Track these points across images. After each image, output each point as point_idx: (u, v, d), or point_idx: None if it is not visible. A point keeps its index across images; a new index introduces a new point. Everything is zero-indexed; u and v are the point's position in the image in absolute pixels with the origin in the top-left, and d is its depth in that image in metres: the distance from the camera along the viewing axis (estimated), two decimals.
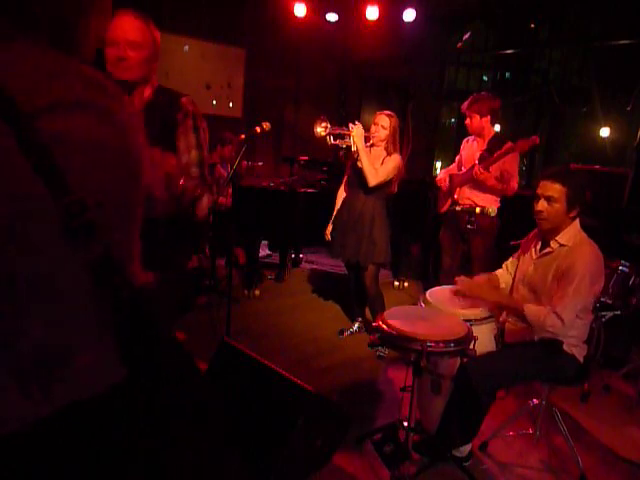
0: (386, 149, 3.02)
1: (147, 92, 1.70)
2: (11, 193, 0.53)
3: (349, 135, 2.93)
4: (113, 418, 0.66)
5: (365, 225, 3.03)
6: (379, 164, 2.97)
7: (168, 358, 0.74)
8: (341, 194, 3.26)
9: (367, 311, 3.42)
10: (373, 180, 2.91)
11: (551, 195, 1.95)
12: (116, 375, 0.65)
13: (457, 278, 2.22)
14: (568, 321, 1.87)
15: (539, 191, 1.99)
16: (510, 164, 3.09)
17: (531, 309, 1.93)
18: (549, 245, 2.04)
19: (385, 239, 3.05)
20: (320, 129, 2.88)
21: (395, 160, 2.98)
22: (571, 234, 1.99)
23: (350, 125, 2.92)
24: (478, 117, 3.14)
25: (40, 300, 0.57)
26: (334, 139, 2.95)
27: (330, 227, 3.26)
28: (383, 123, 2.99)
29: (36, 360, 0.59)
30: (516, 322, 2.14)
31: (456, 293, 2.16)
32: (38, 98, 0.54)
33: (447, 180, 3.36)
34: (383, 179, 2.95)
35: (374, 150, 3.05)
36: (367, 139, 3.03)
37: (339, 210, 3.20)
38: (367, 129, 2.99)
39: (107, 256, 0.61)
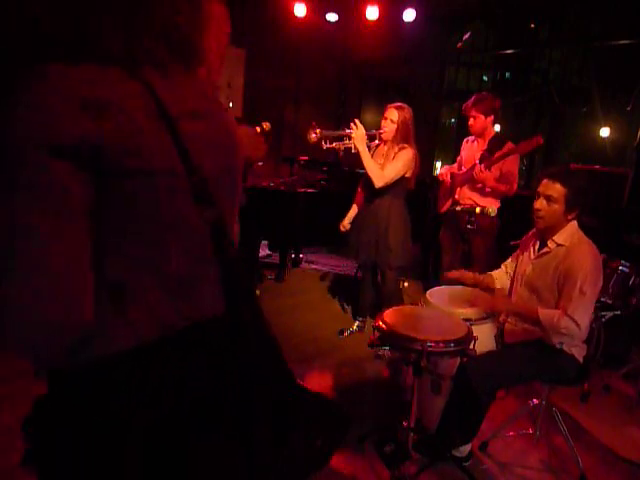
0: (398, 144, 2.90)
1: None
2: (169, 168, 0.79)
3: (348, 136, 2.85)
4: (221, 342, 0.88)
5: (380, 227, 2.95)
6: (390, 161, 2.87)
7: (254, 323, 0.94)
8: (359, 193, 3.21)
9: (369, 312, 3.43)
10: (378, 181, 2.82)
11: (551, 195, 1.95)
12: (219, 308, 0.87)
13: (452, 275, 2.24)
14: (583, 323, 1.86)
15: (540, 190, 1.99)
16: (510, 165, 3.09)
17: (545, 313, 1.91)
18: (546, 245, 2.04)
19: (401, 241, 2.96)
20: (314, 135, 2.81)
21: (406, 155, 2.87)
22: (568, 234, 1.99)
23: (351, 125, 2.83)
24: (482, 117, 3.13)
25: (176, 238, 0.82)
26: (330, 142, 2.88)
27: (346, 220, 3.23)
28: (392, 117, 2.89)
29: (178, 282, 0.82)
30: (517, 322, 2.15)
31: (471, 306, 2.14)
32: (178, 108, 0.80)
33: (448, 176, 3.36)
34: (391, 178, 2.84)
35: (387, 146, 2.95)
36: (373, 137, 2.96)
37: (359, 210, 3.17)
38: (367, 128, 2.90)
39: (220, 218, 0.86)
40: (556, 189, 1.94)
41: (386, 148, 2.97)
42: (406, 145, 2.90)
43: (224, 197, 0.90)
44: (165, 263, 0.81)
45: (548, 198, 1.96)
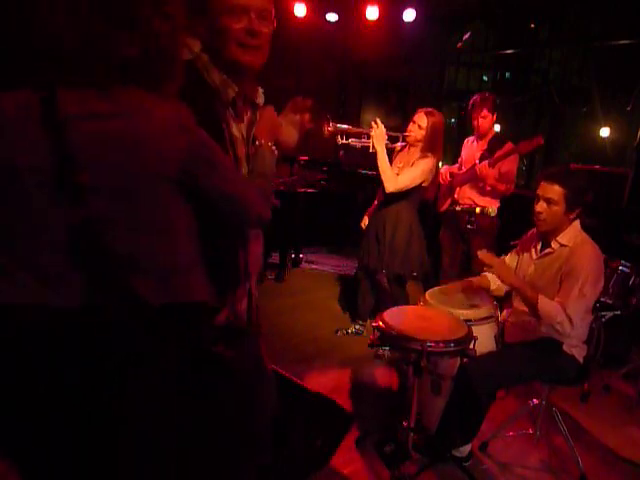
0: (421, 151, 2.80)
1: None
2: (35, 165, 0.86)
3: (367, 134, 2.74)
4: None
5: (387, 233, 2.89)
6: (409, 167, 2.79)
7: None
8: (374, 205, 3.19)
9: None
10: (390, 186, 2.72)
11: (550, 197, 1.94)
12: (74, 302, 0.91)
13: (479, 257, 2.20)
14: (576, 323, 1.87)
15: (539, 192, 1.99)
16: (510, 165, 3.09)
17: (545, 301, 1.90)
18: (550, 246, 2.04)
19: (404, 247, 2.88)
20: (328, 129, 2.69)
21: (426, 164, 2.75)
22: (572, 234, 1.99)
23: (372, 124, 2.72)
24: (491, 115, 3.14)
25: (39, 233, 0.90)
26: (347, 138, 2.76)
27: (366, 219, 3.22)
28: (420, 122, 2.78)
29: (44, 273, 0.91)
30: (516, 320, 2.15)
31: (478, 262, 2.09)
32: (70, 110, 0.88)
33: (447, 175, 3.35)
34: (404, 185, 2.74)
35: (411, 150, 2.87)
36: (395, 139, 2.87)
37: (371, 216, 3.14)
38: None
39: (93, 219, 0.89)
40: (555, 191, 1.93)
41: (408, 153, 2.89)
42: (429, 154, 2.78)
43: (114, 198, 0.91)
44: (32, 255, 0.91)
45: (548, 200, 1.95)
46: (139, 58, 0.91)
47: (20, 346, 0.90)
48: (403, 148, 2.96)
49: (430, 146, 2.79)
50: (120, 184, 0.91)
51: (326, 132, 2.70)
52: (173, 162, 0.95)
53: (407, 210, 2.91)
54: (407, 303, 3.03)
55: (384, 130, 2.72)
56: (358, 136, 2.79)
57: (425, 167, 2.76)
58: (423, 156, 2.78)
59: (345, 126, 2.75)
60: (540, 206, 1.98)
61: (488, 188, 3.12)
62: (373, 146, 2.72)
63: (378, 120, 2.72)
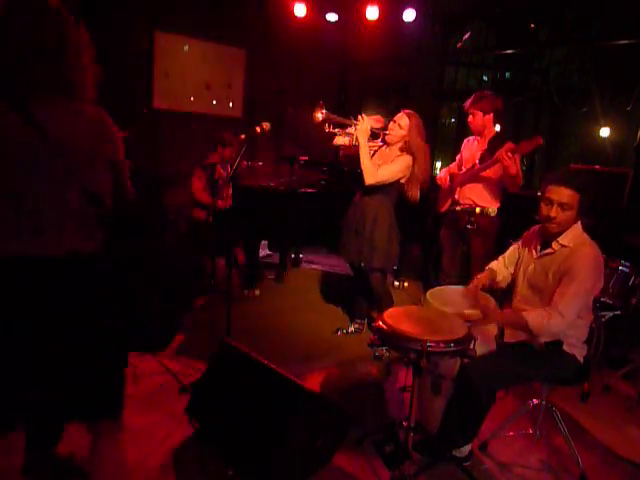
0: (401, 149, 2.90)
1: None
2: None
3: (352, 127, 2.83)
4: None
5: (367, 227, 2.95)
6: (388, 164, 2.88)
7: None
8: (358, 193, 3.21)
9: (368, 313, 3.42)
10: (369, 178, 2.80)
11: (566, 202, 1.91)
12: None
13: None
14: (569, 317, 1.86)
15: (554, 197, 1.93)
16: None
17: (532, 316, 1.90)
18: (550, 246, 2.03)
19: (385, 244, 2.94)
20: (320, 114, 2.77)
21: (404, 161, 2.86)
22: (573, 235, 1.98)
23: (358, 118, 2.81)
24: (481, 114, 3.13)
25: None
26: (333, 127, 2.86)
27: None
28: (401, 122, 2.89)
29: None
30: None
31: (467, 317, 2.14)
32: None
33: (447, 179, 3.35)
34: (383, 179, 2.84)
35: (389, 149, 2.96)
36: (377, 135, 2.95)
37: (347, 209, 3.15)
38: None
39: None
40: (569, 195, 1.91)
41: (387, 150, 2.97)
42: (408, 153, 2.89)
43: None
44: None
45: (562, 206, 1.93)
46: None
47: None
48: (381, 147, 3.02)
49: (408, 147, 2.89)
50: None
51: (317, 118, 2.79)
52: None
53: (386, 206, 2.97)
54: (392, 297, 3.14)
55: (368, 125, 2.82)
56: (344, 127, 2.90)
57: (403, 165, 2.87)
58: (402, 154, 2.89)
59: (335, 115, 2.85)
60: (554, 211, 1.93)
61: (513, 173, 2.94)
62: (356, 138, 2.82)
63: (364, 115, 2.82)
